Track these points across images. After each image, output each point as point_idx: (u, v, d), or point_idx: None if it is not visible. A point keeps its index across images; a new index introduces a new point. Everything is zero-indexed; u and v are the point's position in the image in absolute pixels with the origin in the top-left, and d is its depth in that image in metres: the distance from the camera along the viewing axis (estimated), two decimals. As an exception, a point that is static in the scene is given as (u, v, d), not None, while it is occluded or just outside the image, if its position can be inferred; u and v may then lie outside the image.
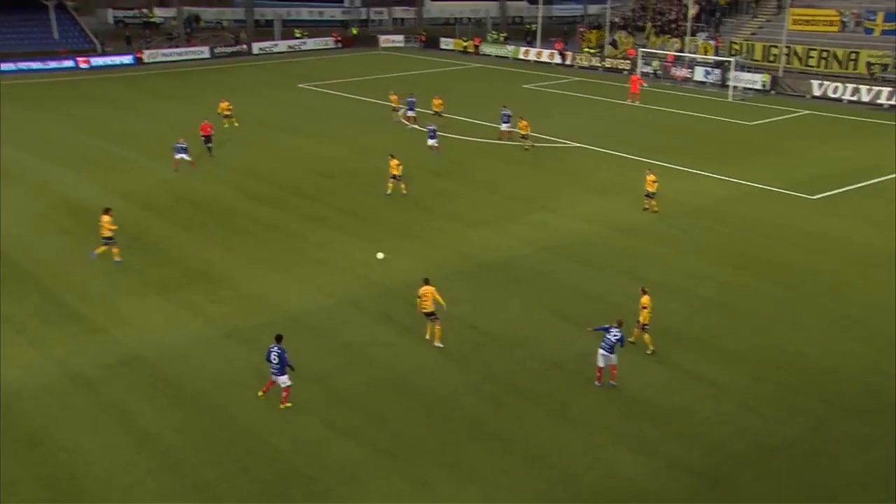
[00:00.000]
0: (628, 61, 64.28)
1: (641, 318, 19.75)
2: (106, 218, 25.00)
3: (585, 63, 67.28)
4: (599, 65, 66.42)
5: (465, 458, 16.07)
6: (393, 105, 45.89)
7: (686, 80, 59.44)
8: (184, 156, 34.96)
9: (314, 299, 22.95)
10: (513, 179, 34.33)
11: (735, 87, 54.62)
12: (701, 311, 22.29)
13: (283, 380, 17.60)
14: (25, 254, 26.14)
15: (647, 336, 19.85)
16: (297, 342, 20.48)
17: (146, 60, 68.43)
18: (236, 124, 43.06)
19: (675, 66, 60.56)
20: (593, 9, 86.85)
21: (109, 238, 25.06)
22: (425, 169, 35.80)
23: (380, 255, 24.13)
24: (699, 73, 59.15)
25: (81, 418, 17.30)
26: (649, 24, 67.95)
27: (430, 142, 36.89)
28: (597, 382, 18.52)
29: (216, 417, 17.39)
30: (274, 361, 17.57)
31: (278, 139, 41.26)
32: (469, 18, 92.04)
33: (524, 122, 39.10)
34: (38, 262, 25.42)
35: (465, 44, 76.76)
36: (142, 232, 28.08)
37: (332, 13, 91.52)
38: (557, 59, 68.80)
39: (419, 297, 20.08)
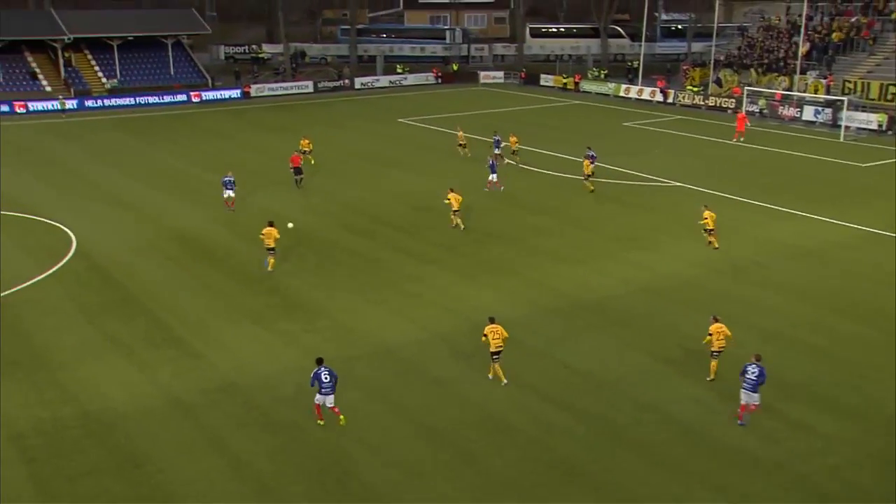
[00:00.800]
0: (733, 100, 62.99)
1: (712, 345, 19.99)
2: (270, 230, 27.46)
3: (688, 101, 66.28)
4: (702, 103, 65.26)
5: (556, 500, 15.79)
6: (459, 141, 45.43)
7: (794, 119, 57.83)
8: (230, 192, 34.40)
9: (407, 332, 23.11)
10: (610, 218, 34.00)
11: (847, 127, 52.86)
12: (807, 358, 21.45)
13: (332, 399, 18.26)
14: (134, 278, 27.29)
15: (714, 363, 20.04)
16: (388, 375, 20.63)
17: (253, 94, 71.15)
18: (312, 161, 43.83)
19: (782, 105, 59.03)
20: (697, 46, 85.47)
21: (272, 248, 27.53)
22: (520, 205, 35.83)
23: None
24: (808, 113, 57.44)
25: (180, 442, 17.81)
26: (756, 63, 66.54)
27: (491, 177, 37.21)
28: (738, 420, 18.25)
29: (307, 447, 17.63)
30: (326, 381, 18.21)
31: (376, 172, 41.99)
32: (570, 55, 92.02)
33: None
34: (144, 287, 26.50)
35: (564, 80, 76.72)
36: (242, 262, 28.94)
37: (434, 49, 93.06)
38: (659, 98, 68.08)
39: (486, 336, 19.97)
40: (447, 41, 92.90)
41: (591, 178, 36.98)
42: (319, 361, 18.56)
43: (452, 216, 32.14)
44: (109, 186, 39.56)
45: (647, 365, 21.21)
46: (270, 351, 22.07)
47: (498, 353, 20.07)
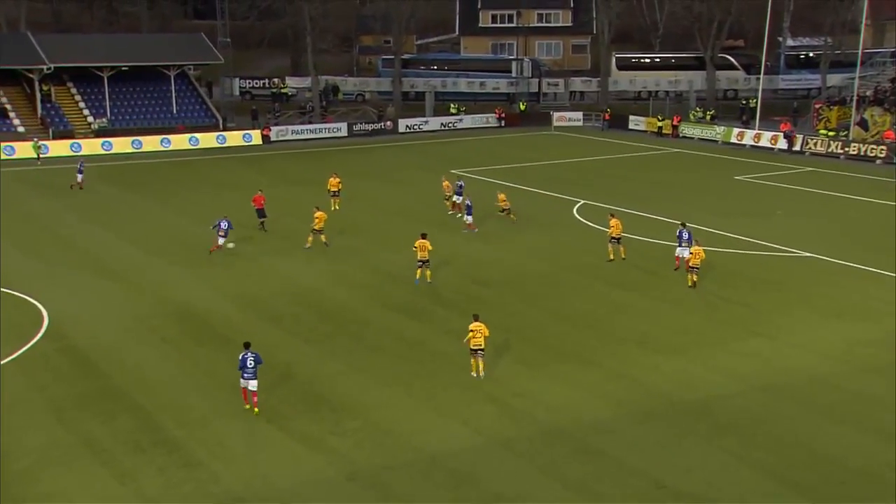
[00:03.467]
0: (884, 147, 62.53)
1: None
2: (319, 213, 38.91)
3: (821, 149, 66.31)
4: (841, 152, 65.19)
5: None
6: (446, 193, 47.16)
7: None
8: (223, 240, 38.24)
9: (458, 436, 23.11)
10: (717, 296, 33.93)
11: None
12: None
13: (254, 384, 24.23)
14: (118, 364, 27.67)
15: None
16: (434, 490, 20.53)
17: (273, 138, 73.04)
18: (336, 207, 45.55)
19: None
20: (834, 79, 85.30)
21: (319, 231, 38.14)
22: (602, 277, 36.00)
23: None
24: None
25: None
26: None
27: (458, 198, 43.80)
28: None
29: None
30: (250, 366, 24.25)
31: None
32: (666, 92, 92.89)
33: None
34: (131, 375, 26.85)
35: (660, 123, 77.47)
36: (254, 344, 29.28)
37: (496, 84, 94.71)
38: (783, 144, 68.26)
39: (471, 332, 26.07)
40: (513, 75, 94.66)
41: (694, 271, 34.77)
42: (246, 346, 24.63)
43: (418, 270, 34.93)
44: (94, 250, 40.54)
45: (768, 486, 20.85)
46: (288, 458, 22.18)
47: (480, 350, 26.28)
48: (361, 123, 78.61)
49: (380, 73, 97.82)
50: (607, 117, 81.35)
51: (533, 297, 33.66)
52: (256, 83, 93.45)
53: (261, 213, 42.62)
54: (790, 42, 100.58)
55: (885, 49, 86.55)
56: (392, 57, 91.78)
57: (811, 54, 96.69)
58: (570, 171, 59.53)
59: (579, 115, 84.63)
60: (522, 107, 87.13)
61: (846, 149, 64.84)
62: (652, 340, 29.45)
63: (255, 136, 72.62)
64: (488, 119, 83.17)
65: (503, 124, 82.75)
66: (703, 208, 40.37)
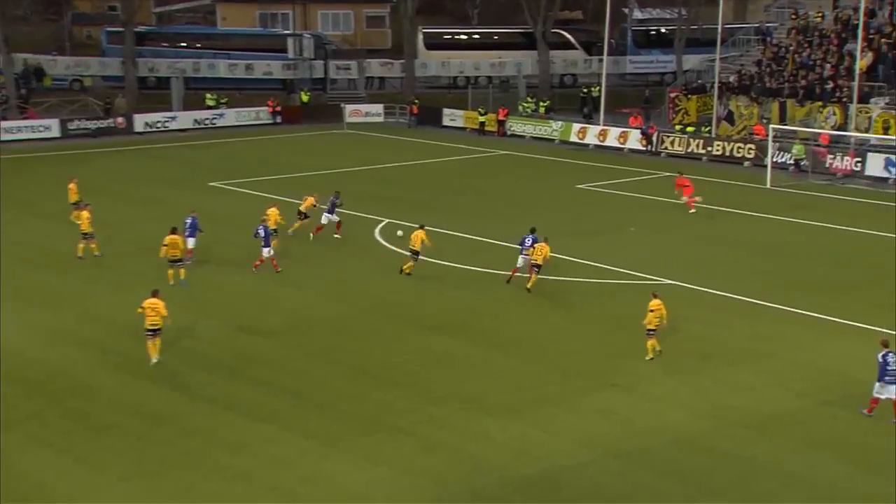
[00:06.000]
0: (752, 146, 65.60)
1: (646, 322, 31.14)
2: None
3: (680, 149, 69.03)
4: (703, 151, 67.91)
5: None
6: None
7: (851, 174, 60.68)
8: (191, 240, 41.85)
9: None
10: (560, 337, 34.56)
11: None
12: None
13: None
14: None
15: (650, 342, 31.32)
16: None
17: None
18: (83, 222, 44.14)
19: (832, 153, 61.97)
20: (692, 61, 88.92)
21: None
22: (414, 319, 36.36)
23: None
24: (876, 164, 60.58)
25: None
26: (787, 86, 69.74)
27: (327, 218, 45.54)
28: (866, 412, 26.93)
29: None
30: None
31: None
32: (489, 78, 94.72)
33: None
34: None
35: (482, 118, 78.74)
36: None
37: (268, 68, 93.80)
38: (633, 143, 70.47)
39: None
40: (290, 55, 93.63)
41: (535, 270, 38.55)
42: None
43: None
44: None
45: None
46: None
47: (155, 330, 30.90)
48: (80, 120, 76.42)
49: (104, 52, 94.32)
50: (415, 111, 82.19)
51: (324, 349, 33.45)
52: None
53: None
54: (638, 14, 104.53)
55: (749, 24, 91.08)
56: (121, 29, 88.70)
57: (663, 30, 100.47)
58: (370, 182, 59.83)
59: (379, 108, 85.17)
60: (304, 98, 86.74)
61: (709, 148, 67.57)
62: (480, 399, 29.57)
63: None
64: (259, 114, 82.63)
65: (279, 121, 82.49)
66: (538, 225, 41.19)
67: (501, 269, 41.20)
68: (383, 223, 49.14)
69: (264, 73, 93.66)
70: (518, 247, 40.08)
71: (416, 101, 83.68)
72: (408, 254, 40.91)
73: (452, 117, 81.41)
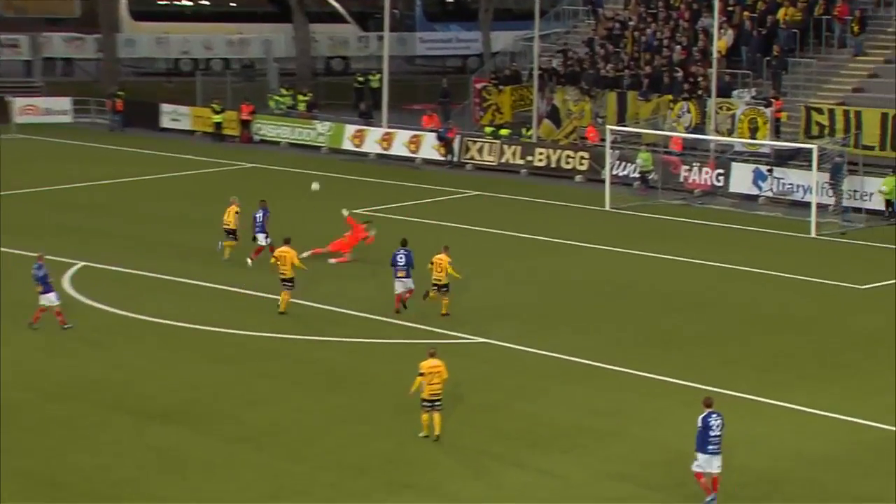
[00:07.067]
0: (585, 154, 66.17)
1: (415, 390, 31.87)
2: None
3: (491, 158, 69.77)
4: (521, 162, 68.65)
5: None
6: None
7: (711, 190, 61.95)
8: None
9: None
10: (336, 420, 34.32)
11: (830, 207, 56.77)
12: None
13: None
14: None
15: (426, 416, 32.23)
16: None
17: None
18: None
19: (686, 164, 63.04)
20: (503, 39, 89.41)
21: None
22: (130, 404, 35.78)
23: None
24: (742, 177, 61.81)
25: None
26: (628, 75, 70.56)
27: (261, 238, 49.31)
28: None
29: None
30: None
31: None
32: (226, 62, 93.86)
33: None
34: None
35: (217, 117, 78.23)
36: None
37: None
38: (429, 151, 71.02)
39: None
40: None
41: (444, 291, 42.53)
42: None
43: None
44: None
45: None
46: None
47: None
48: None
49: None
50: (120, 107, 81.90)
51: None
52: None
53: None
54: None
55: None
56: None
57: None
58: (56, 208, 58.84)
59: (66, 102, 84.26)
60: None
61: (529, 158, 68.15)
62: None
63: None
64: None
65: None
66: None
67: (257, 330, 41.62)
68: (77, 266, 48.51)
69: None
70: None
71: (121, 93, 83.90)
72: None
73: (175, 116, 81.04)
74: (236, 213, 49.49)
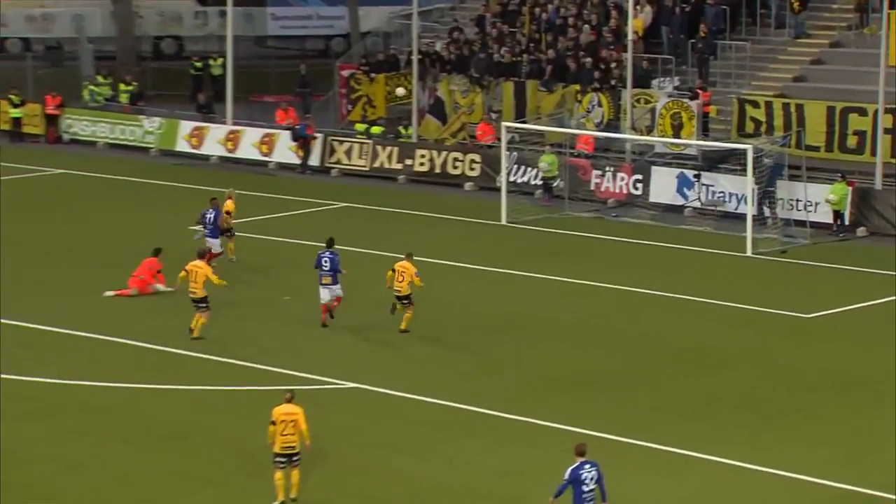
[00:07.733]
0: (476, 156, 66.29)
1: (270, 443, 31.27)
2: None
3: (361, 161, 70.27)
4: (399, 167, 69.03)
5: None
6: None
7: (627, 199, 62.45)
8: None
9: None
10: (149, 487, 33.78)
11: (766, 220, 57.71)
12: None
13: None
14: None
15: (279, 474, 31.33)
16: None
17: None
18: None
19: (599, 168, 63.27)
20: (375, 16, 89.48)
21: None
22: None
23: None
24: (664, 184, 62.47)
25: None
26: (527, 61, 70.73)
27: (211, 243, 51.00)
28: None
29: None
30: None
31: None
32: (25, 42, 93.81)
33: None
34: None
35: (15, 111, 79.25)
36: None
37: None
38: (284, 154, 71.41)
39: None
40: None
41: (407, 305, 45.61)
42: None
43: None
44: None
45: None
46: None
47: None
48: None
49: None
50: None
51: None
52: None
53: None
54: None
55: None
56: None
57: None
58: None
59: None
60: None
61: (408, 162, 68.55)
62: None
63: None
64: None
65: None
66: (102, 304, 40.53)
67: (74, 378, 40.69)
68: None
69: None
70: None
71: None
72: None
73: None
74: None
